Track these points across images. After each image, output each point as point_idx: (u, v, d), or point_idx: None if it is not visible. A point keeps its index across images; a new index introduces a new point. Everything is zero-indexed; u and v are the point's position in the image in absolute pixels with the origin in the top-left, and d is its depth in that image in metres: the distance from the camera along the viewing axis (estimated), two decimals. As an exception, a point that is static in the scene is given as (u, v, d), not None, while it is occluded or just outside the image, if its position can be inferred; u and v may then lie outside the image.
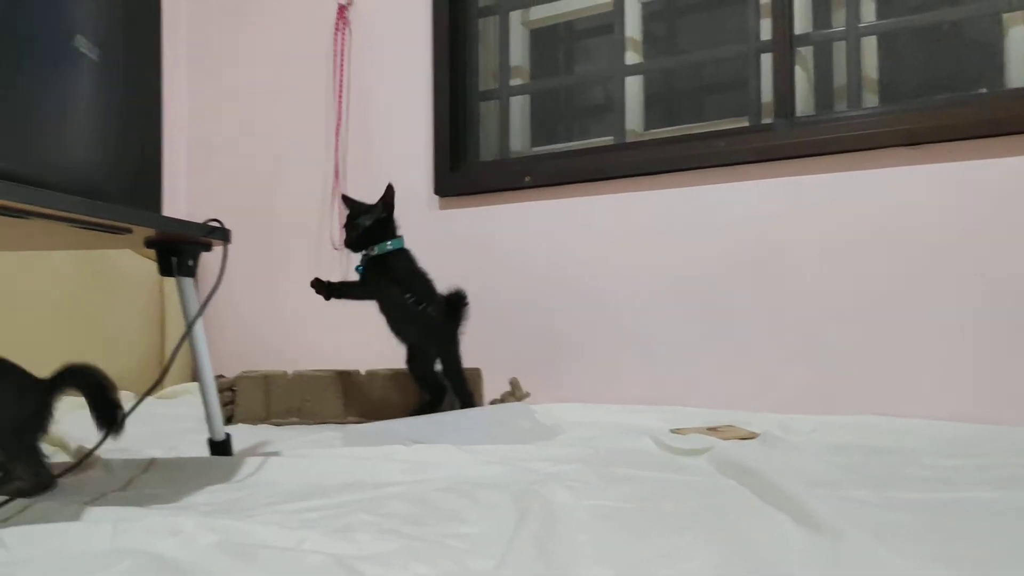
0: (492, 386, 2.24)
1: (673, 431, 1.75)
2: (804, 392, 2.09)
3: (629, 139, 2.50)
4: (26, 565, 0.73)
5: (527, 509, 0.96)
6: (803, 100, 2.26)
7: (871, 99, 2.25)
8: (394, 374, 2.14)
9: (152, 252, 1.34)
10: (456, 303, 1.98)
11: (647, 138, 2.50)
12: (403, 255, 1.86)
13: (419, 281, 1.90)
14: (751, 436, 1.68)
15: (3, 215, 0.92)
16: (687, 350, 2.25)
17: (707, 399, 2.20)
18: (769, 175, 2.16)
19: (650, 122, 2.54)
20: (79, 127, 1.06)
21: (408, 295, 1.84)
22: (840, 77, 2.31)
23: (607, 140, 2.54)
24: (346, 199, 1.88)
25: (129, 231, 1.14)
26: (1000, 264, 1.90)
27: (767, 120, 2.28)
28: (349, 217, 1.85)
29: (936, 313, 1.96)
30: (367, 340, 2.20)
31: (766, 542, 0.83)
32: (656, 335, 2.30)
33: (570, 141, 2.69)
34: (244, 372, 2.11)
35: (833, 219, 2.08)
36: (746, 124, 2.33)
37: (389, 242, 1.83)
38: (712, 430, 1.76)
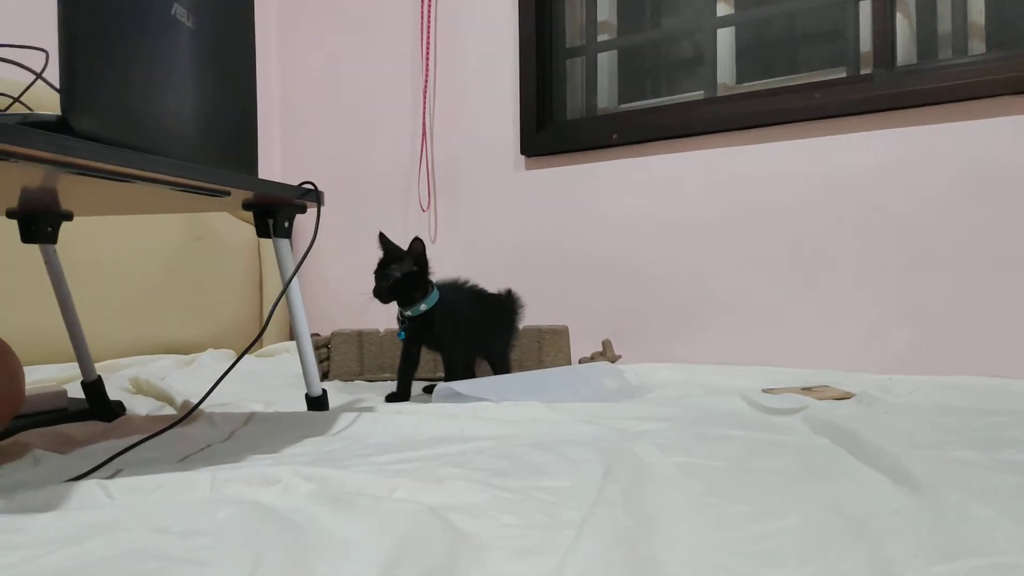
0: (579, 346, 2.24)
1: (765, 391, 1.72)
2: (905, 352, 2.02)
3: (720, 93, 2.43)
4: (131, 514, 0.77)
5: (614, 465, 0.96)
6: (904, 48, 2.15)
7: (977, 46, 2.12)
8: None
9: (248, 215, 1.38)
10: (510, 305, 1.92)
11: (739, 92, 2.43)
12: (439, 309, 1.72)
13: (465, 314, 1.79)
14: (847, 396, 1.64)
15: (111, 179, 0.97)
16: (780, 309, 2.20)
17: (800, 359, 2.15)
18: (868, 127, 2.08)
19: (742, 75, 2.46)
20: (179, 94, 1.10)
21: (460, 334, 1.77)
22: (944, 23, 2.19)
23: (697, 95, 2.48)
24: (382, 239, 1.74)
25: (227, 194, 1.18)
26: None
27: (866, 70, 2.19)
28: (382, 262, 1.72)
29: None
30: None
31: (861, 501, 0.81)
32: (748, 294, 2.25)
33: (658, 97, 2.63)
34: (338, 330, 2.17)
35: (937, 172, 1.99)
36: (844, 75, 2.24)
37: (423, 304, 1.70)
38: (806, 390, 1.72)
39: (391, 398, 1.74)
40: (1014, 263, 1.90)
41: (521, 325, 1.94)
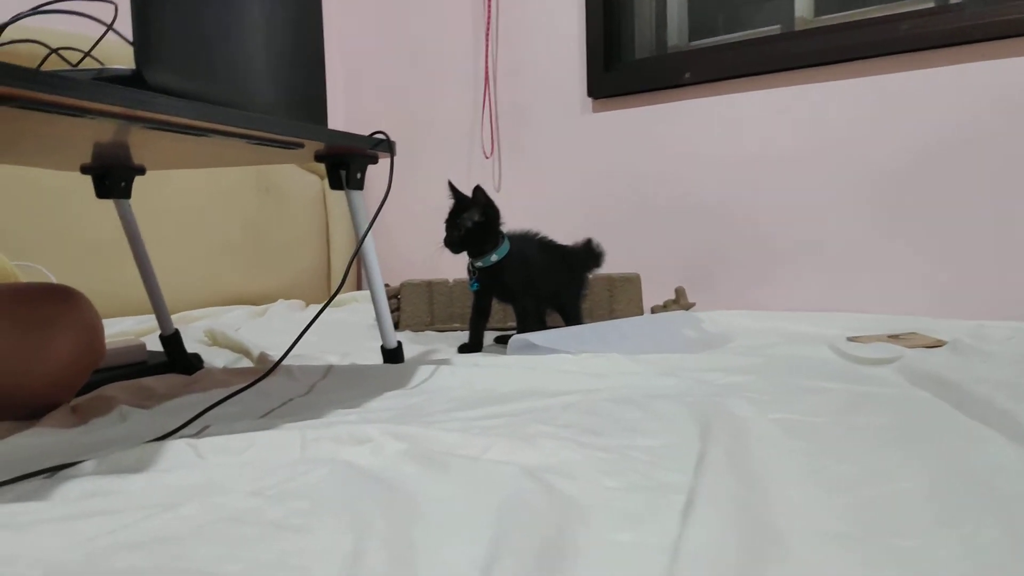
0: (651, 294, 2.19)
1: (851, 339, 1.66)
2: (997, 296, 1.93)
3: (798, 27, 2.32)
4: (223, 475, 0.76)
5: (709, 422, 0.92)
6: (1001, -28, 2.01)
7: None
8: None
9: (314, 165, 1.35)
10: (584, 256, 1.85)
11: (818, 25, 2.31)
12: (510, 260, 1.67)
13: (536, 266, 1.75)
14: (938, 344, 1.57)
15: (186, 133, 0.95)
16: (861, 253, 2.12)
17: (883, 305, 2.07)
18: (959, 60, 1.96)
19: (821, 7, 2.33)
20: (250, 44, 1.07)
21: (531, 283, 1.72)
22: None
23: (773, 29, 2.37)
24: (452, 188, 1.69)
25: (301, 146, 1.15)
26: None
27: (957, -1, 2.05)
28: (452, 211, 1.67)
29: None
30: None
31: (979, 461, 0.76)
32: (827, 237, 2.17)
33: (732, 32, 2.52)
34: (407, 280, 2.16)
35: (1037, 106, 1.87)
36: (932, 4, 2.11)
37: (494, 254, 1.65)
38: (893, 337, 1.65)
39: (463, 349, 1.72)
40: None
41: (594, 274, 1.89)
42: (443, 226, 1.67)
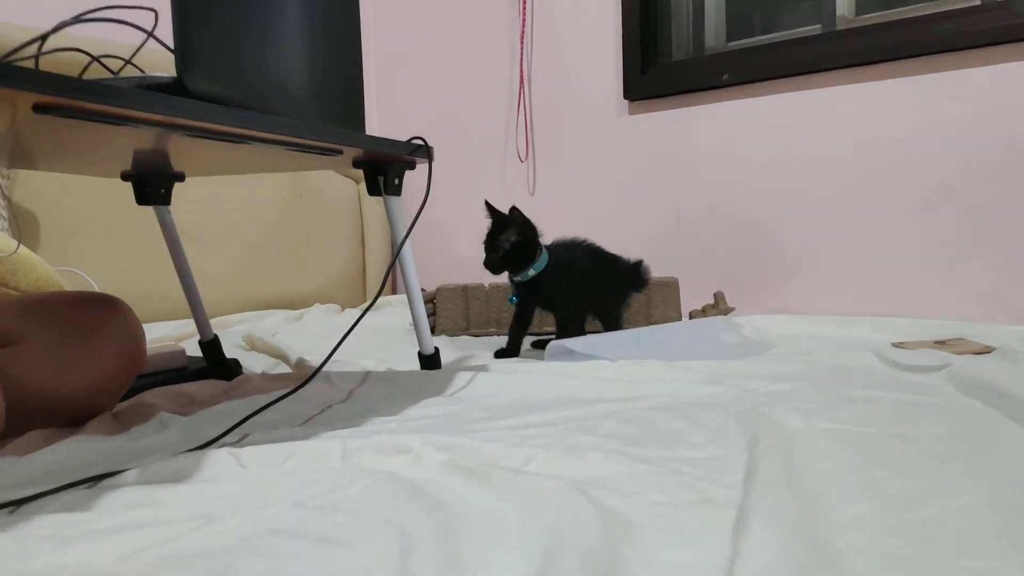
0: (689, 299, 2.16)
1: (896, 345, 1.62)
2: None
3: (839, 27, 2.28)
4: (266, 486, 0.75)
5: (757, 433, 0.90)
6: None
7: None
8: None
9: (351, 170, 1.35)
10: (637, 275, 1.84)
11: (859, 24, 2.27)
12: (549, 271, 1.66)
13: (577, 272, 1.74)
14: (986, 350, 1.53)
15: (226, 140, 0.94)
16: (903, 256, 2.08)
17: (927, 310, 2.03)
18: (1007, 59, 1.91)
19: (862, 6, 2.29)
20: (289, 51, 1.07)
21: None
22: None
23: (814, 29, 2.33)
24: (489, 207, 1.68)
25: (340, 152, 1.15)
26: None
27: (1005, -5, 2.00)
28: (490, 232, 1.67)
29: None
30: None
31: (1042, 477, 0.73)
32: (869, 240, 2.13)
33: (770, 33, 2.49)
34: (443, 285, 2.15)
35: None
36: (978, 2, 2.06)
37: (531, 269, 1.65)
38: (940, 343, 1.61)
39: (500, 354, 1.71)
40: None
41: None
42: (481, 234, 1.67)
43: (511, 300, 1.72)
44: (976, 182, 1.96)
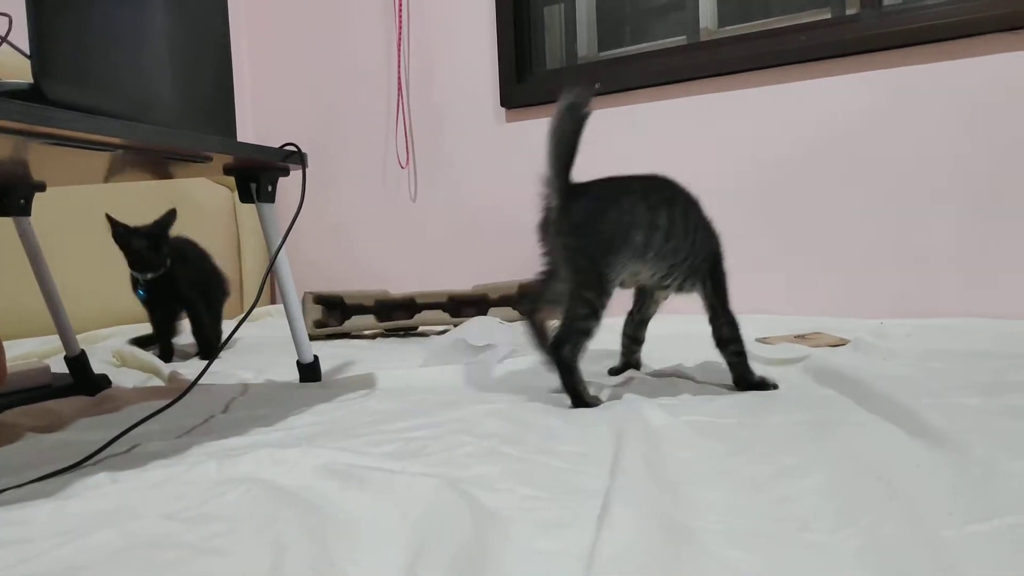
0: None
1: (759, 340, 1.72)
2: (896, 296, 2.02)
3: (702, 38, 2.39)
4: (139, 499, 0.74)
5: (625, 428, 0.94)
6: (891, -14, 2.12)
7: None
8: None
9: (224, 178, 1.33)
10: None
11: (721, 36, 2.39)
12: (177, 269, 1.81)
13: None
14: (841, 343, 1.64)
15: (89, 148, 0.92)
16: (765, 257, 2.20)
17: (788, 306, 2.15)
18: (855, 69, 2.05)
19: (724, 18, 2.41)
20: (154, 56, 1.05)
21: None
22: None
23: (679, 40, 2.44)
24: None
25: (209, 160, 1.13)
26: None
27: (852, 11, 2.15)
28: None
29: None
30: (440, 262, 2.19)
31: (881, 456, 0.80)
32: (732, 242, 2.23)
33: (639, 43, 2.58)
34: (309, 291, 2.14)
35: (928, 114, 1.97)
36: (828, 16, 2.20)
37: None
38: (799, 337, 1.72)
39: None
40: (1004, 201, 1.89)
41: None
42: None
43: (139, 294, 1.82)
44: (834, 187, 2.09)
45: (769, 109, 2.17)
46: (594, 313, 1.14)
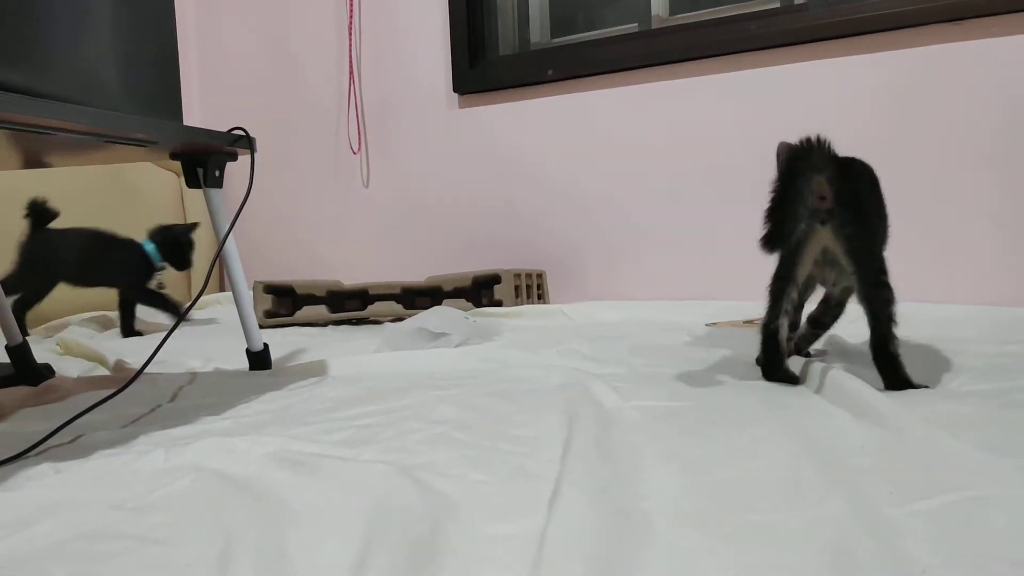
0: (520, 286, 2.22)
1: (708, 325, 1.74)
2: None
3: (654, 25, 2.40)
4: (82, 490, 0.73)
5: (578, 412, 0.95)
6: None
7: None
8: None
9: (175, 164, 1.31)
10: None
11: (673, 23, 2.40)
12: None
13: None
14: (788, 327, 1.66)
15: (26, 132, 0.89)
16: (715, 242, 2.22)
17: (743, 292, 2.18)
18: (804, 58, 2.08)
19: (676, 6, 2.43)
20: (94, 36, 1.02)
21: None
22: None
23: (631, 27, 2.44)
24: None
25: (154, 143, 1.11)
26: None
27: (800, 0, 2.18)
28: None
29: (979, 195, 1.91)
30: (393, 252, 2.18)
31: (831, 437, 0.82)
32: (684, 229, 2.26)
33: (592, 30, 2.58)
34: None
35: (874, 102, 2.01)
36: (778, 5, 2.23)
37: None
38: (749, 322, 1.74)
39: None
40: (947, 187, 1.94)
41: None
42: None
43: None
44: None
45: (720, 96, 2.19)
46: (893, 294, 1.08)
